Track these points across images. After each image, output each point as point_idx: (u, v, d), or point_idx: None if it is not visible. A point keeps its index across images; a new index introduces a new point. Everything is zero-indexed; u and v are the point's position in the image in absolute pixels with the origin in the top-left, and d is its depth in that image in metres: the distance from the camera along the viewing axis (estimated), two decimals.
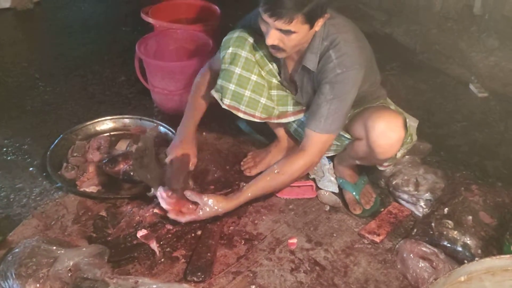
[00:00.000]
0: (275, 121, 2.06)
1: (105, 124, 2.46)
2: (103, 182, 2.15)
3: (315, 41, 1.79)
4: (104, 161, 2.14)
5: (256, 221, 2.04)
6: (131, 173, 2.09)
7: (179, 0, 3.16)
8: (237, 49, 1.90)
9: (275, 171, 1.89)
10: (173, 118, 2.54)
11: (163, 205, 1.88)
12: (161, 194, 1.87)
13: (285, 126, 2.23)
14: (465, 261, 1.80)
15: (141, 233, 1.92)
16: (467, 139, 2.55)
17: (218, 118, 2.16)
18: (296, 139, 2.21)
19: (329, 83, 1.78)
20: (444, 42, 3.15)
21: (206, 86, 2.09)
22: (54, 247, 1.71)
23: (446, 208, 1.97)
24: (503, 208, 1.99)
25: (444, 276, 1.38)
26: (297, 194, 2.16)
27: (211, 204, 1.86)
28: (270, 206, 2.11)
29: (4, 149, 2.38)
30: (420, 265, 1.78)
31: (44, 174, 2.21)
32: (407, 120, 1.94)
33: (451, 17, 3.14)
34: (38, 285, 1.61)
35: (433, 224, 1.93)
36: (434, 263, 1.78)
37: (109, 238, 1.92)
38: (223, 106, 1.97)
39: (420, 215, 2.07)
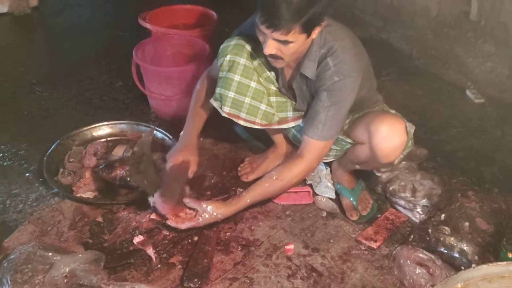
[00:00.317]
0: (276, 127, 2.06)
1: (102, 129, 2.46)
2: (100, 188, 2.14)
3: (312, 48, 1.79)
4: (100, 167, 2.13)
5: (253, 227, 2.04)
6: (128, 179, 2.09)
7: (176, 6, 3.18)
8: (235, 56, 1.90)
9: (273, 177, 1.89)
10: (171, 124, 2.56)
11: (162, 211, 1.88)
12: (157, 200, 1.87)
13: (283, 132, 2.23)
14: (462, 268, 1.81)
15: (137, 239, 1.91)
16: (463, 145, 2.56)
17: (215, 124, 2.16)
18: (295, 145, 2.21)
19: (327, 90, 1.79)
20: (441, 48, 3.16)
21: (206, 93, 2.09)
22: (50, 253, 1.70)
23: (443, 214, 1.97)
24: (500, 215, 1.99)
25: (441, 283, 1.38)
26: (294, 200, 2.16)
27: (210, 211, 1.86)
28: (267, 212, 2.11)
29: (1, 154, 2.37)
30: (417, 272, 1.78)
31: (41, 179, 2.20)
32: (407, 124, 1.95)
33: (447, 23, 3.14)
34: None
35: (430, 230, 1.93)
36: (431, 270, 1.78)
37: (106, 244, 1.92)
38: (223, 114, 1.97)
39: (417, 221, 2.07)
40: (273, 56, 1.74)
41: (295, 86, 1.95)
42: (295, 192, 2.15)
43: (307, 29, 1.66)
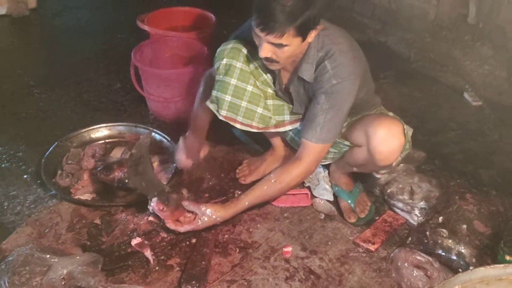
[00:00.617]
0: (273, 130, 2.06)
1: (100, 131, 2.46)
2: (98, 190, 2.14)
3: (310, 51, 1.79)
4: (99, 169, 2.13)
5: (251, 229, 2.04)
6: (126, 181, 2.09)
7: (175, 8, 3.18)
8: (231, 60, 1.90)
9: (272, 180, 1.89)
10: (169, 126, 2.56)
11: (161, 216, 1.89)
12: (154, 208, 1.88)
13: (281, 135, 2.23)
14: (460, 270, 1.81)
15: (135, 241, 1.91)
16: (461, 147, 2.56)
17: (213, 126, 2.15)
18: (292, 148, 2.22)
19: (325, 93, 1.79)
20: (438, 51, 3.17)
21: (208, 95, 2.09)
22: (48, 255, 1.70)
23: (441, 217, 1.97)
24: (497, 217, 2.00)
25: (438, 286, 1.38)
26: (292, 202, 2.16)
27: (209, 214, 1.86)
28: (265, 214, 2.11)
29: None
30: (414, 274, 1.79)
31: (39, 181, 2.20)
32: (405, 127, 1.96)
33: (445, 26, 3.15)
34: None
35: (427, 233, 1.93)
36: (428, 272, 1.78)
37: (103, 246, 1.92)
38: (220, 118, 1.97)
39: (415, 223, 2.08)
40: (269, 59, 1.74)
41: (292, 90, 1.95)
42: (293, 194, 2.16)
43: (302, 33, 1.66)
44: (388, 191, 2.16)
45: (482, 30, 2.96)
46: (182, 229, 1.87)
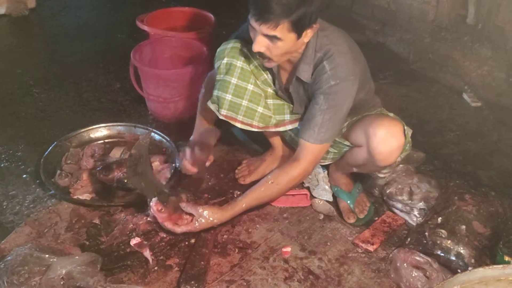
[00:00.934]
0: (273, 129, 2.06)
1: (100, 131, 2.46)
2: (97, 190, 2.14)
3: (308, 52, 1.79)
4: (98, 169, 2.13)
5: (250, 230, 2.04)
6: (125, 181, 2.09)
7: (174, 8, 3.18)
8: (232, 59, 1.91)
9: (270, 182, 1.89)
10: (168, 126, 2.56)
11: (158, 218, 1.89)
12: (153, 208, 1.88)
13: (281, 134, 2.23)
14: (459, 271, 1.81)
15: (134, 241, 1.91)
16: (460, 148, 2.57)
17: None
18: (292, 147, 2.22)
19: (324, 94, 1.79)
20: (438, 52, 3.17)
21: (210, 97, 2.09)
22: (47, 255, 1.70)
23: (440, 218, 1.97)
24: (496, 218, 2.00)
25: (437, 286, 1.38)
26: (292, 203, 2.16)
27: (207, 216, 1.86)
28: (264, 214, 2.11)
29: None
30: (413, 275, 1.79)
31: (38, 181, 2.20)
32: (405, 127, 1.96)
33: (444, 27, 3.16)
34: None
35: (426, 233, 1.94)
36: (427, 273, 1.78)
37: (102, 246, 1.92)
38: (220, 117, 1.97)
39: (414, 224, 2.08)
40: (262, 55, 1.74)
41: (291, 90, 1.95)
42: (293, 194, 2.15)
43: (297, 28, 1.66)
44: (387, 191, 2.16)
45: (481, 31, 2.96)
46: (178, 230, 1.87)
